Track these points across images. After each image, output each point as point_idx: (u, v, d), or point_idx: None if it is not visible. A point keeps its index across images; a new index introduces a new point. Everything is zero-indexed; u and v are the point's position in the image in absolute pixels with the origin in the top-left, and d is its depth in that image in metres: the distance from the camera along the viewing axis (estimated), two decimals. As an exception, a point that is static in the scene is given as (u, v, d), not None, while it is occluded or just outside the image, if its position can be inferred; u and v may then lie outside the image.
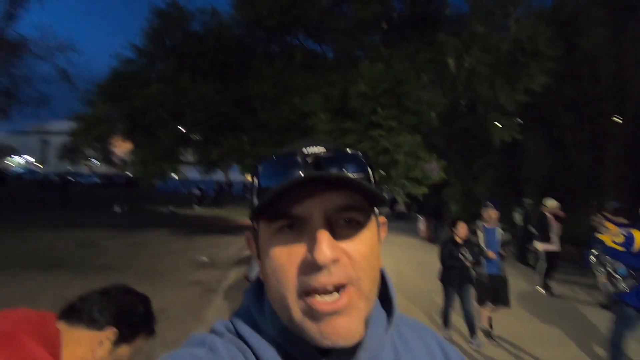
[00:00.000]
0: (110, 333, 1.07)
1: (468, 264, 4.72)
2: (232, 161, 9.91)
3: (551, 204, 8.09)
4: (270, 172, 0.50)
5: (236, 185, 36.99)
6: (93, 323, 1.06)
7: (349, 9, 9.19)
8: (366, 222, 0.49)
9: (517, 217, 11.20)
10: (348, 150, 0.51)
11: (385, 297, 0.57)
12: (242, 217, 19.65)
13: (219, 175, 25.71)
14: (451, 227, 4.91)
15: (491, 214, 4.91)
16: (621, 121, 13.71)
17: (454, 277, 4.75)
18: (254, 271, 7.53)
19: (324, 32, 10.16)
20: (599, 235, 4.94)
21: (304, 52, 10.32)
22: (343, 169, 0.49)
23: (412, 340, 0.59)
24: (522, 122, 10.09)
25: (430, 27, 8.96)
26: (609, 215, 6.04)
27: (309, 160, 0.48)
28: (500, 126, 9.52)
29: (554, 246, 7.73)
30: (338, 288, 0.45)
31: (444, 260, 4.84)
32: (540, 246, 7.89)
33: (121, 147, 10.73)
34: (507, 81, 8.34)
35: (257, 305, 0.54)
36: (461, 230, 4.76)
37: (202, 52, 9.28)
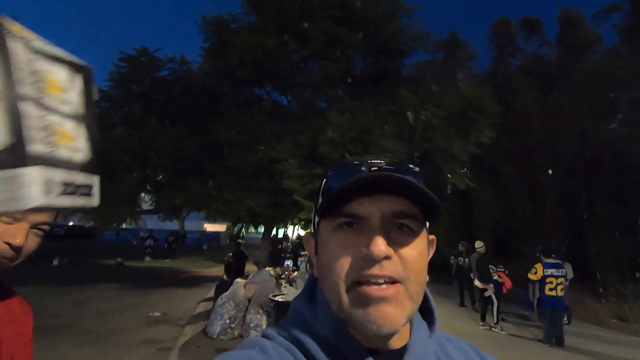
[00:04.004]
0: None
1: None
2: (198, 206, 9.60)
3: (479, 244, 9.29)
4: (338, 176, 0.56)
5: (191, 235, 35.13)
6: None
7: (316, 64, 9.87)
8: (419, 231, 0.53)
9: (454, 261, 11.91)
10: (410, 165, 0.57)
11: (425, 309, 0.63)
12: (199, 268, 18.49)
13: (173, 225, 24.32)
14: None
15: None
16: (551, 172, 15.47)
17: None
18: (214, 325, 7.05)
19: (291, 85, 10.73)
20: (530, 275, 7.76)
21: (271, 102, 10.74)
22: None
23: (452, 351, 0.62)
24: (471, 171, 11.01)
25: (391, 82, 9.85)
26: (542, 257, 7.79)
27: (373, 168, 0.54)
28: (454, 174, 10.27)
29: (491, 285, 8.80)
30: (387, 282, 0.49)
31: None
32: (483, 285, 8.84)
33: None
34: (459, 133, 9.21)
35: (309, 308, 0.58)
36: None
37: (171, 97, 9.30)
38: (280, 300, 6.48)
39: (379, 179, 0.50)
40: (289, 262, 16.92)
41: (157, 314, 8.65)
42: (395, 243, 0.50)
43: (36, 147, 0.38)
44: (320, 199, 0.59)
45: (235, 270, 10.19)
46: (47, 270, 14.79)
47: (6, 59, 0.35)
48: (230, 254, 11.26)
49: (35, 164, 0.37)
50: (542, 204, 15.07)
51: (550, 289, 7.23)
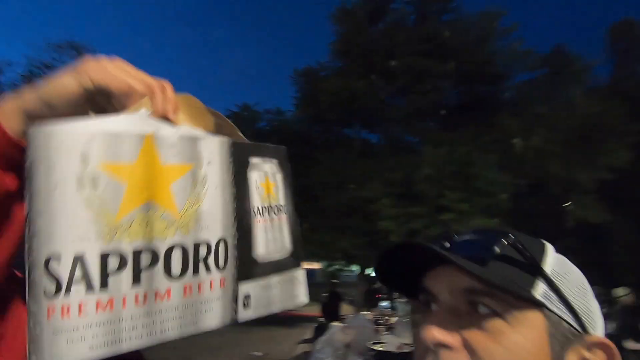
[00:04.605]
0: None
1: None
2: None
3: (623, 291, 7.36)
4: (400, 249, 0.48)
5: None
6: None
7: (404, 99, 9.75)
8: (508, 316, 0.38)
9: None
10: (497, 233, 0.43)
11: None
12: (299, 308, 18.83)
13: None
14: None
15: None
16: None
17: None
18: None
19: (379, 122, 10.73)
20: None
21: (360, 140, 10.84)
22: (475, 250, 0.42)
23: None
24: (603, 201, 9.22)
25: (490, 109, 9.12)
26: None
27: (446, 244, 0.45)
28: (579, 206, 8.73)
29: None
30: None
31: None
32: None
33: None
34: (583, 158, 7.87)
35: None
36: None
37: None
38: (380, 349, 6.14)
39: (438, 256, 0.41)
40: (385, 303, 16.15)
41: (258, 353, 8.87)
42: (469, 329, 0.39)
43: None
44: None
45: (331, 311, 10.09)
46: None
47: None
48: (326, 294, 11.25)
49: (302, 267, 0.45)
50: None
51: None
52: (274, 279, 0.42)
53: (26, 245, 0.27)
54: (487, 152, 7.70)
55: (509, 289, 0.38)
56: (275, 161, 0.46)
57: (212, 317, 0.36)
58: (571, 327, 0.40)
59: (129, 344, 0.29)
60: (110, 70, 0.38)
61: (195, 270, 0.35)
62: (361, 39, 9.54)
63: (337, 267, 11.97)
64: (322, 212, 9.24)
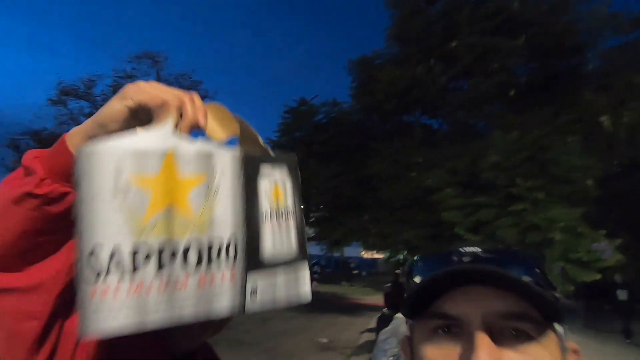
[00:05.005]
0: None
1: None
2: (354, 239, 9.97)
3: None
4: (424, 269, 0.49)
5: (353, 262, 36.84)
6: None
7: (468, 82, 9.10)
8: (538, 336, 0.41)
9: None
10: (512, 250, 0.49)
11: None
12: (360, 295, 18.98)
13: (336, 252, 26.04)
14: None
15: None
16: None
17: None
18: (379, 360, 6.90)
19: (441, 108, 10.17)
20: None
21: (420, 128, 10.40)
22: (504, 269, 0.42)
23: None
24: None
25: (568, 86, 8.08)
26: None
27: (465, 258, 0.45)
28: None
29: None
30: None
31: None
32: None
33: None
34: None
35: None
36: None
37: (326, 140, 10.18)
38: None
39: (473, 272, 0.42)
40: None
41: (324, 340, 9.16)
42: (505, 352, 0.40)
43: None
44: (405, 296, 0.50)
45: (394, 302, 10.00)
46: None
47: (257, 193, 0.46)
48: (389, 284, 11.16)
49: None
50: None
51: None
52: (280, 278, 0.47)
53: (75, 242, 0.35)
54: (567, 134, 6.88)
55: (560, 315, 0.42)
56: (285, 168, 0.50)
57: (223, 306, 0.42)
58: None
59: (152, 324, 0.36)
60: (147, 90, 0.46)
61: (209, 264, 0.41)
62: (418, 22, 9.09)
63: (400, 257, 11.76)
64: (382, 203, 9.10)
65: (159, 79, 16.66)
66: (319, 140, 10.27)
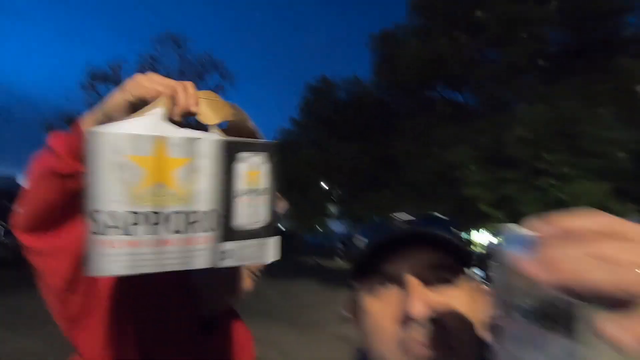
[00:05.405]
0: None
1: None
2: (375, 216, 10.00)
3: None
4: (366, 236, 0.56)
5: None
6: None
7: (495, 53, 8.66)
8: (455, 279, 0.50)
9: None
10: (435, 216, 0.58)
11: None
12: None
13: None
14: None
15: None
16: None
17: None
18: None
19: (465, 81, 9.78)
20: None
21: (444, 103, 10.09)
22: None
23: None
24: None
25: (605, 52, 7.52)
26: None
27: (402, 225, 0.53)
28: None
29: None
30: (435, 342, 0.46)
31: None
32: None
33: (279, 205, 12.25)
34: None
35: None
36: None
37: (347, 119, 10.13)
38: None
39: (412, 234, 0.51)
40: (477, 271, 15.34)
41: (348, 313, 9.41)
42: (432, 296, 0.48)
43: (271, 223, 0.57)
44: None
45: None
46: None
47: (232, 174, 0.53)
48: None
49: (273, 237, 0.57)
50: None
51: None
52: (249, 242, 0.55)
53: (84, 204, 0.47)
54: (599, 105, 6.50)
55: (471, 261, 0.51)
56: (264, 154, 0.56)
57: (200, 262, 0.51)
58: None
59: (142, 270, 0.47)
60: (144, 84, 0.54)
61: (190, 229, 0.50)
62: (442, -8, 8.64)
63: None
64: (405, 181, 9.04)
65: (181, 60, 16.94)
66: (339, 120, 10.23)
